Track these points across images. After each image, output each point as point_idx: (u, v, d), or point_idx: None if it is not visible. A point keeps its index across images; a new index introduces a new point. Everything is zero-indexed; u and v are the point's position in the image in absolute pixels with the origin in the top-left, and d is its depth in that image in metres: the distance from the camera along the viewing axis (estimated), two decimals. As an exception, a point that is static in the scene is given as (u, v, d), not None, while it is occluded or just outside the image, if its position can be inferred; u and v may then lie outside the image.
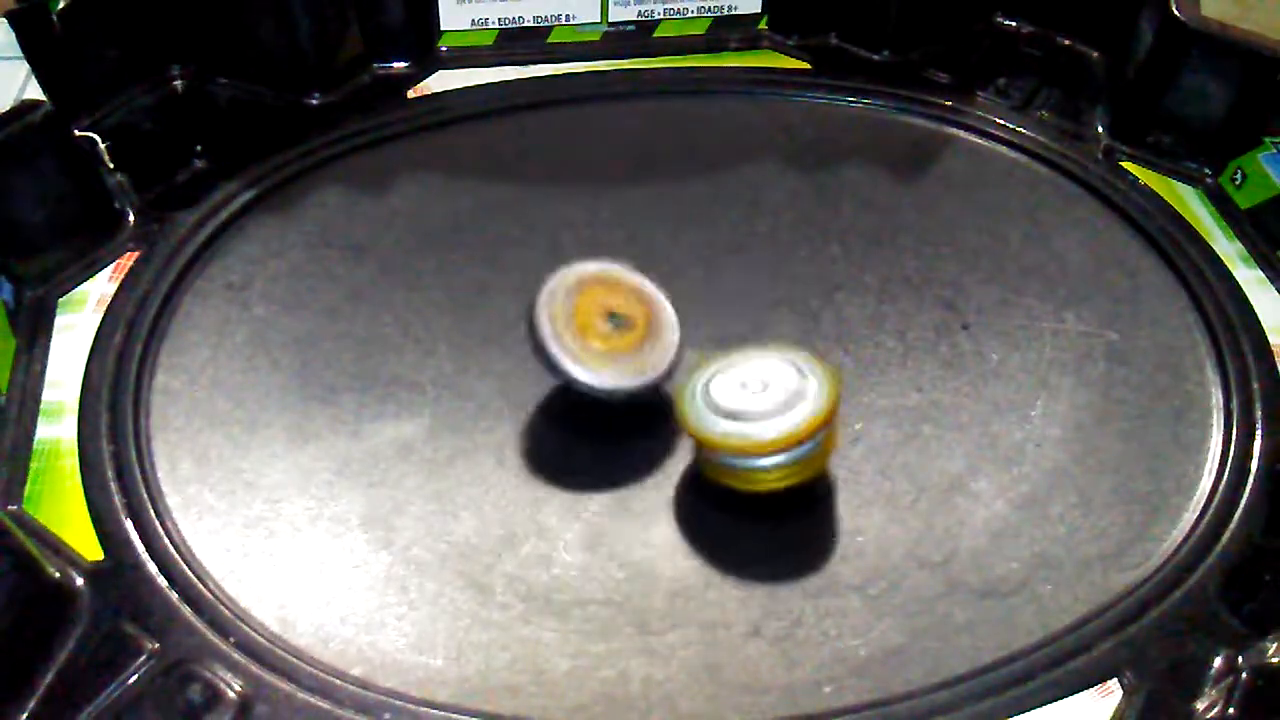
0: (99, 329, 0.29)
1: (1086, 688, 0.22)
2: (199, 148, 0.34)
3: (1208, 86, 0.33)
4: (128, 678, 0.22)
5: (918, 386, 0.28)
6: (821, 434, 0.24)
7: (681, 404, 0.24)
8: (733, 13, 0.38)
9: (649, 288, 0.27)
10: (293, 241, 0.32)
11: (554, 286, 0.26)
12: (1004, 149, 0.35)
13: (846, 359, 0.29)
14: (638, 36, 0.38)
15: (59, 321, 0.29)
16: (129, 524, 0.25)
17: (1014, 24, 0.39)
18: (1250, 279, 0.31)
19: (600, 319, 0.26)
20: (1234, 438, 0.27)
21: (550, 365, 0.25)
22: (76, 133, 0.31)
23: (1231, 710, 0.21)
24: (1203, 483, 0.26)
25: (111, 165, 0.32)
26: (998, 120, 0.36)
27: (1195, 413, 0.28)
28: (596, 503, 0.26)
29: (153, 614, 0.23)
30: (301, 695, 0.22)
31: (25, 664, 0.22)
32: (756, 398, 0.24)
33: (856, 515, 0.26)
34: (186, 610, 0.23)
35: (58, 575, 0.23)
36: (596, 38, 0.38)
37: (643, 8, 0.38)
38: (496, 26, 0.38)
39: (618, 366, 0.25)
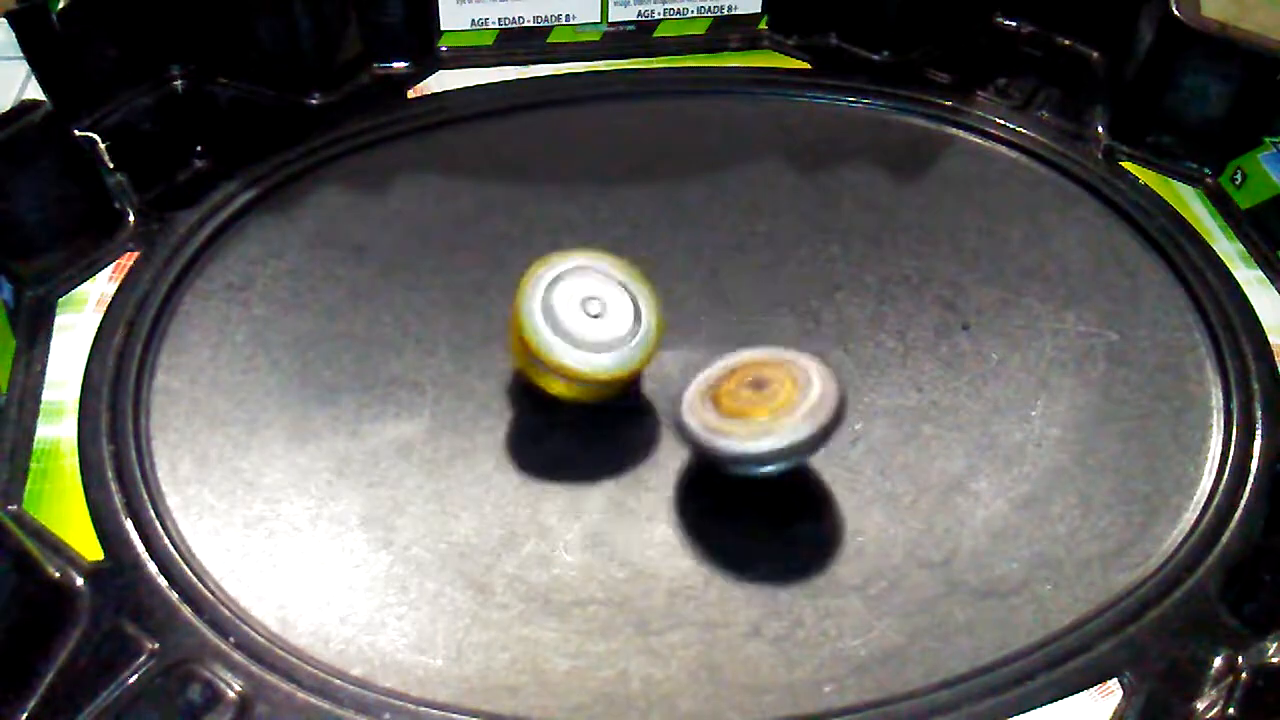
0: (99, 329, 0.29)
1: (1086, 688, 0.22)
2: (199, 148, 0.34)
3: (1208, 87, 0.33)
4: (128, 677, 0.22)
5: (918, 386, 0.28)
6: (617, 386, 0.26)
7: (522, 296, 0.25)
8: (733, 13, 0.38)
9: (784, 355, 0.25)
10: (293, 241, 0.32)
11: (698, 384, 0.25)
12: (1004, 149, 0.35)
13: (847, 359, 0.29)
14: (638, 36, 0.38)
15: (59, 321, 0.29)
16: (129, 524, 0.25)
17: (1014, 24, 0.39)
18: (1250, 279, 0.31)
19: (742, 388, 0.24)
20: (1234, 438, 0.27)
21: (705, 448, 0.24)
22: (76, 133, 0.31)
23: (1231, 710, 0.21)
24: (1203, 483, 0.26)
25: (111, 165, 0.32)
26: (998, 120, 0.36)
27: (1195, 413, 0.28)
28: (596, 503, 0.26)
29: (153, 614, 0.23)
30: (301, 695, 0.22)
31: (25, 664, 0.22)
32: (585, 321, 0.25)
33: (856, 515, 0.26)
34: (186, 610, 0.23)
35: (58, 575, 0.23)
36: (596, 38, 0.38)
37: (643, 8, 0.38)
38: (496, 27, 0.38)
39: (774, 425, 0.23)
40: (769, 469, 0.24)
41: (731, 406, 0.24)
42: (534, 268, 0.26)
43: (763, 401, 0.24)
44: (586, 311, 0.25)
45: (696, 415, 0.24)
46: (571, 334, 0.25)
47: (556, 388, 0.26)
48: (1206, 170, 0.34)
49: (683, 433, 0.25)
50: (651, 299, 0.26)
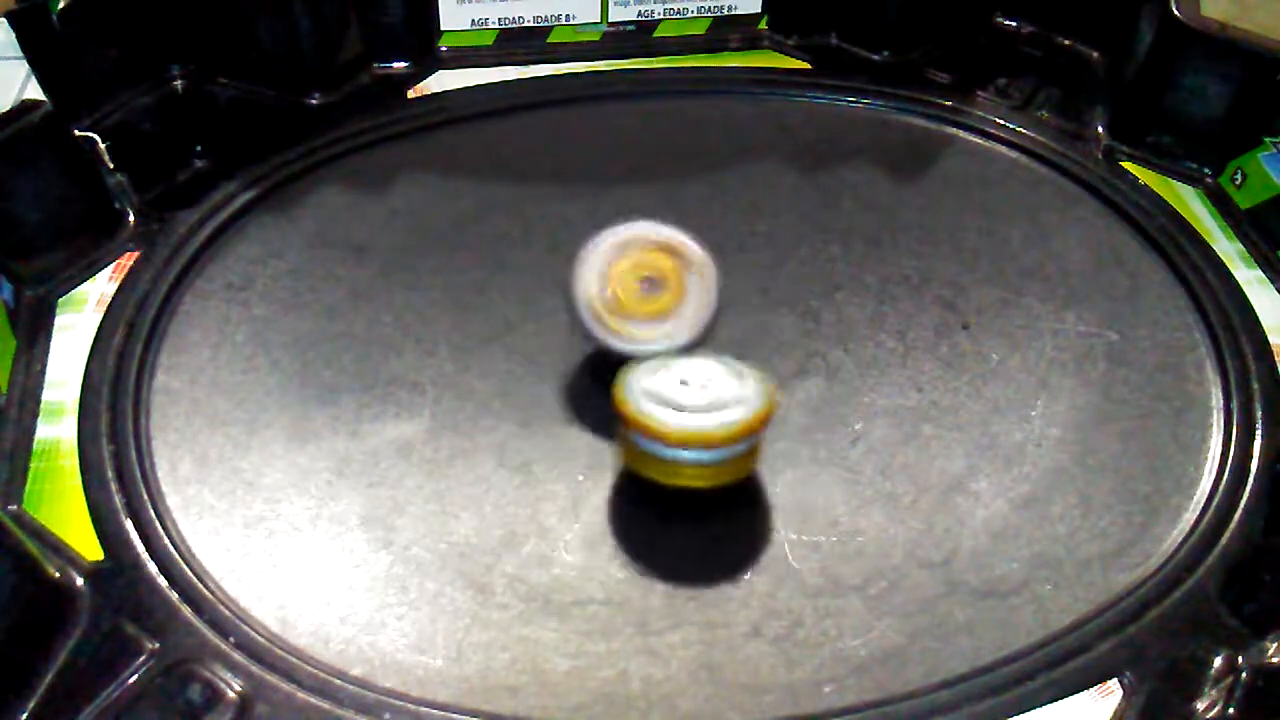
0: (99, 329, 0.29)
1: (1086, 688, 0.22)
2: (199, 148, 0.34)
3: (1208, 86, 0.33)
4: (128, 677, 0.22)
5: (918, 386, 0.28)
6: (745, 442, 0.24)
7: (620, 386, 0.24)
8: (733, 13, 0.38)
9: (687, 244, 0.27)
10: (293, 241, 0.32)
11: (595, 254, 0.26)
12: (1004, 149, 0.35)
13: (847, 359, 0.29)
14: (638, 36, 0.38)
15: (59, 321, 0.29)
16: (129, 524, 0.25)
17: (1014, 24, 0.39)
18: (1250, 279, 0.31)
19: (636, 283, 0.26)
20: (1234, 438, 0.27)
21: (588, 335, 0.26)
22: (76, 133, 0.31)
23: (1231, 710, 0.21)
24: (1203, 483, 0.26)
25: (111, 165, 0.32)
26: (998, 120, 0.36)
27: (1195, 413, 0.28)
28: (596, 503, 0.26)
29: (153, 614, 0.23)
30: (301, 695, 0.22)
31: (25, 664, 0.22)
32: (691, 392, 0.24)
33: (857, 515, 0.26)
34: (186, 610, 0.23)
35: (58, 575, 0.23)
36: (596, 38, 0.38)
37: (643, 8, 0.38)
38: (496, 27, 0.38)
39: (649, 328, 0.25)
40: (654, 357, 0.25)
41: (630, 304, 0.25)
42: (622, 377, 0.24)
43: (654, 299, 0.25)
44: (686, 385, 0.24)
45: (595, 313, 0.26)
46: (678, 402, 0.23)
47: (681, 474, 0.24)
48: (1206, 170, 0.34)
49: (586, 331, 0.26)
50: (742, 365, 0.25)
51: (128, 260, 0.31)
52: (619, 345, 0.26)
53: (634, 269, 0.26)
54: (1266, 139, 0.32)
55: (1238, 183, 0.33)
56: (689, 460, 0.23)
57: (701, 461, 0.23)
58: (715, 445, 0.23)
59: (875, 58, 0.38)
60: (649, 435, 0.23)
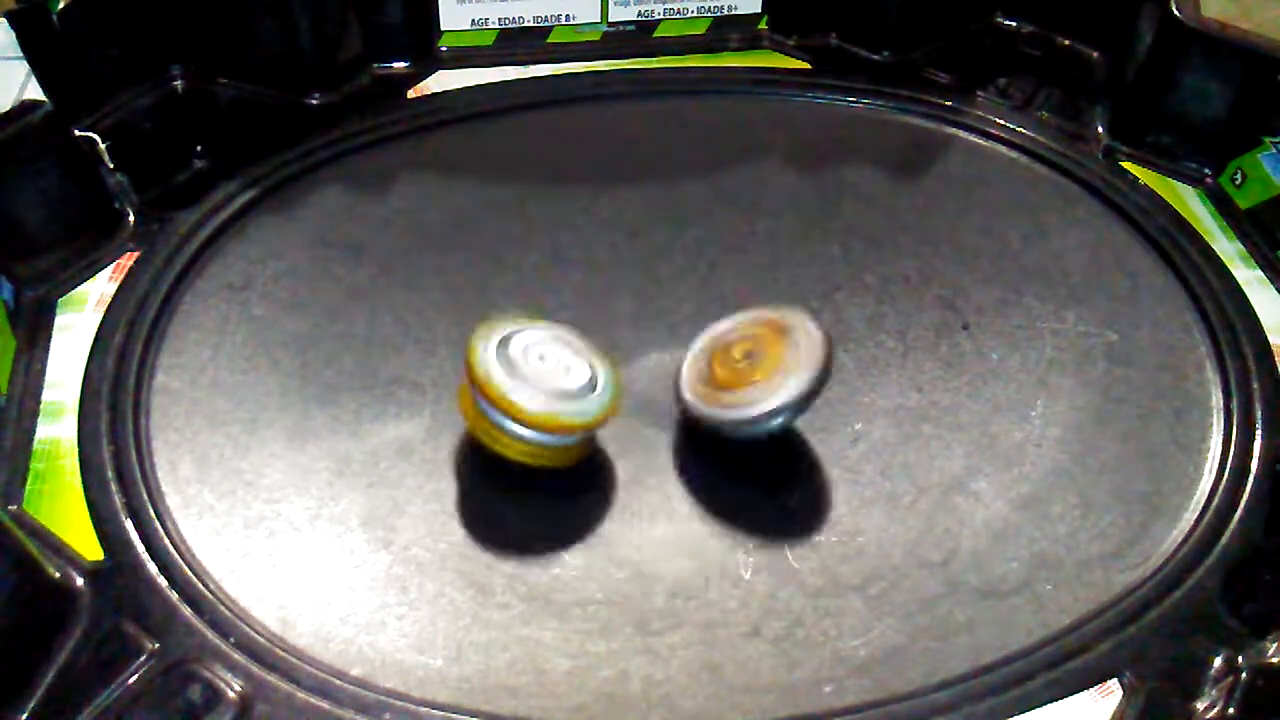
0: (99, 329, 0.29)
1: (1086, 688, 0.22)
2: (199, 148, 0.34)
3: (1207, 86, 0.33)
4: (128, 678, 0.22)
5: (918, 386, 0.28)
6: (579, 436, 0.24)
7: (475, 346, 0.24)
8: (733, 13, 0.38)
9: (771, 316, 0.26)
10: (292, 242, 0.32)
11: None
12: (1004, 149, 0.35)
13: (847, 359, 0.29)
14: (638, 37, 0.38)
15: (59, 321, 0.29)
16: (129, 524, 0.25)
17: (1014, 24, 0.39)
18: (1250, 279, 0.31)
19: (733, 360, 0.25)
20: (1234, 438, 0.27)
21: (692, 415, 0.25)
22: (77, 133, 0.31)
23: (1231, 710, 0.21)
24: (1202, 483, 0.26)
25: (112, 165, 0.32)
26: (998, 120, 0.36)
27: (1195, 413, 0.28)
28: (596, 503, 0.26)
29: (153, 614, 0.23)
30: (301, 695, 0.22)
31: (25, 664, 0.22)
32: (552, 373, 0.24)
33: (857, 515, 0.26)
34: (186, 610, 0.23)
35: (58, 575, 0.23)
36: (596, 38, 0.38)
37: (643, 8, 0.38)
38: (496, 27, 0.38)
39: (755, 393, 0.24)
40: (769, 427, 0.24)
41: (726, 377, 0.25)
42: (481, 328, 0.24)
43: (753, 368, 0.25)
44: (543, 363, 0.24)
45: (693, 391, 0.25)
46: (530, 380, 0.24)
47: (512, 447, 0.24)
48: (1206, 170, 0.34)
49: (686, 411, 0.25)
50: (607, 362, 0.25)
51: (128, 260, 0.31)
52: (716, 415, 0.25)
53: (735, 344, 0.25)
54: (1266, 139, 0.32)
55: (1238, 183, 0.33)
56: (531, 439, 0.24)
57: (538, 443, 0.24)
58: (544, 433, 0.24)
59: (875, 58, 0.38)
60: (489, 401, 0.24)
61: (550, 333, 0.25)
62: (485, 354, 0.24)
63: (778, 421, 0.24)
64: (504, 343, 0.24)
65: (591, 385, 0.24)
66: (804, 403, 0.24)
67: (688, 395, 0.26)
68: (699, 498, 0.26)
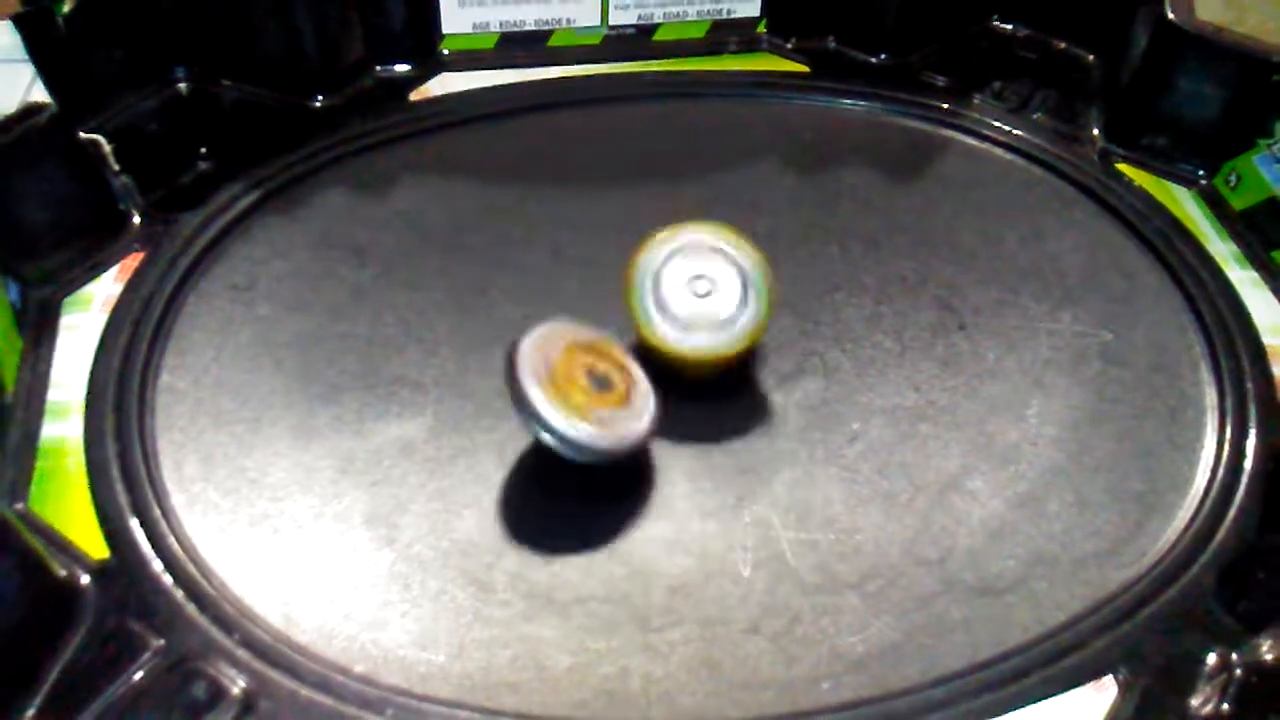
0: (104, 329, 0.29)
1: (1082, 684, 0.23)
2: (203, 149, 0.34)
3: (1202, 89, 0.33)
4: (132, 675, 0.22)
5: (915, 386, 0.29)
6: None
7: (633, 293, 0.26)
8: (731, 16, 0.39)
9: (630, 363, 0.26)
10: (296, 242, 0.32)
11: (534, 340, 0.25)
12: (1000, 151, 0.35)
13: (844, 359, 0.29)
14: (637, 40, 0.39)
15: (64, 322, 0.29)
16: (134, 522, 0.25)
17: (1010, 27, 0.39)
18: (1244, 280, 0.31)
19: (583, 376, 0.25)
20: (1228, 437, 0.27)
21: (528, 412, 0.24)
22: (82, 135, 0.31)
23: (1226, 706, 0.21)
24: (1197, 481, 0.26)
25: (117, 167, 0.32)
26: (994, 123, 0.36)
27: (1190, 412, 0.28)
28: (597, 500, 0.26)
29: (157, 611, 0.23)
30: (305, 692, 0.22)
31: (31, 661, 0.22)
32: (700, 303, 0.26)
33: (854, 513, 0.26)
34: (191, 608, 0.23)
35: (63, 573, 0.24)
36: (597, 41, 0.39)
37: (642, 11, 0.38)
38: (498, 30, 0.38)
39: (597, 424, 0.24)
40: (558, 448, 0.24)
41: (566, 388, 0.24)
42: (647, 243, 0.26)
43: (597, 395, 0.25)
44: (694, 291, 0.26)
45: (535, 380, 0.24)
46: (675, 313, 0.26)
47: (662, 358, 0.26)
48: (1201, 172, 0.34)
49: (518, 400, 0.24)
50: (764, 281, 0.26)
51: (133, 261, 0.31)
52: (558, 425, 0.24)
53: (580, 366, 0.25)
54: (1260, 141, 0.33)
55: (1232, 185, 0.34)
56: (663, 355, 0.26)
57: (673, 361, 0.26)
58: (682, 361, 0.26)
59: (873, 61, 0.38)
60: (636, 327, 0.26)
61: (711, 245, 0.26)
62: (643, 281, 0.26)
63: (578, 453, 0.24)
64: (663, 264, 0.26)
65: (735, 316, 0.26)
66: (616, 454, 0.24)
67: (526, 385, 0.24)
68: (699, 496, 0.26)
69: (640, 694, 0.23)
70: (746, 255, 0.26)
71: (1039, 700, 0.22)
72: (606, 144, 0.36)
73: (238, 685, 0.22)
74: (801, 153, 0.35)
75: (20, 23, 0.32)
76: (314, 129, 0.35)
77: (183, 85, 0.36)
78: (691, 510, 0.26)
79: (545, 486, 0.26)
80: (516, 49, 0.38)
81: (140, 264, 0.31)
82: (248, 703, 0.22)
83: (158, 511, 0.25)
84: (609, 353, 0.26)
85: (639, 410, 0.25)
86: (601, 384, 0.25)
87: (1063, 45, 0.39)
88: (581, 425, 0.24)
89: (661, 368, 0.26)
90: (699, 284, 0.26)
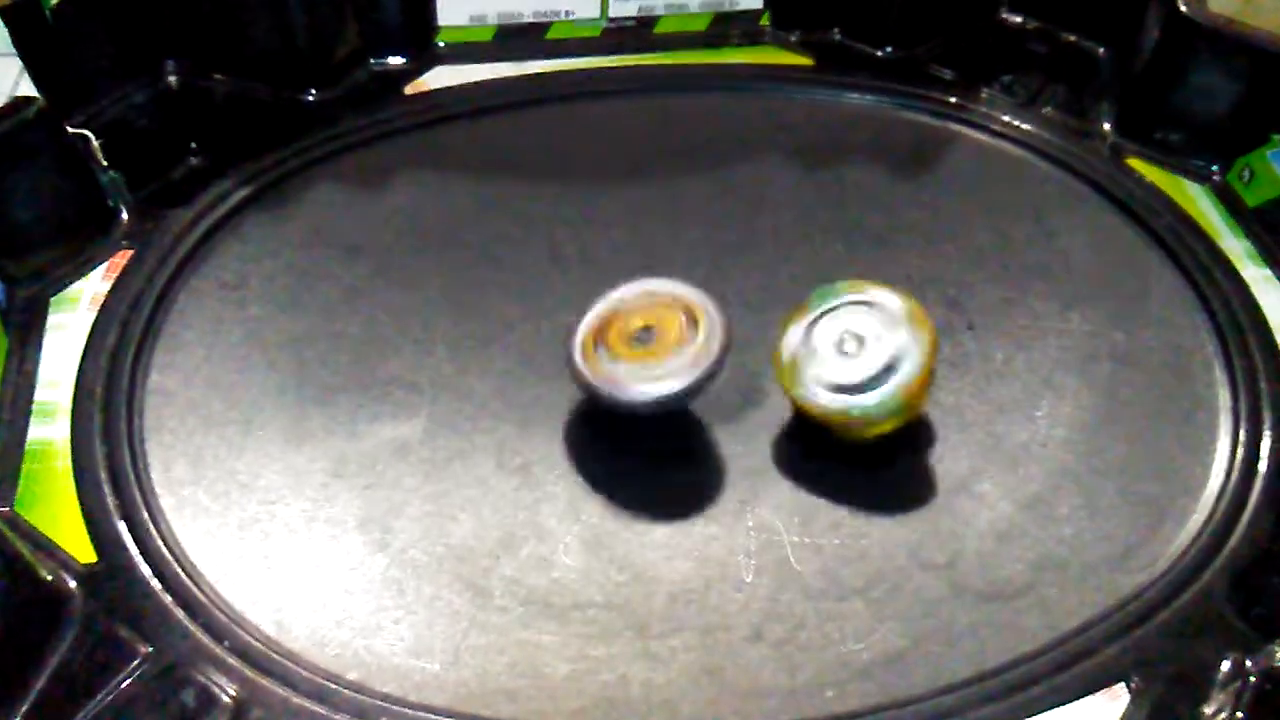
0: (92, 328, 0.29)
1: (1093, 692, 0.22)
2: (194, 145, 0.34)
3: (1215, 83, 0.33)
4: (121, 681, 0.22)
5: (921, 386, 0.28)
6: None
7: (783, 372, 0.25)
8: (734, 8, 0.38)
9: (710, 328, 0.25)
10: (288, 240, 0.31)
11: (625, 290, 0.26)
12: (1009, 146, 0.35)
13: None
14: (638, 32, 0.38)
15: (52, 320, 0.29)
16: (122, 526, 0.25)
17: (1019, 19, 0.39)
18: (1258, 277, 0.31)
19: (633, 328, 0.25)
20: (1242, 439, 0.27)
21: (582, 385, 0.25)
22: (70, 130, 0.31)
23: (1240, 714, 0.21)
24: (1210, 485, 0.26)
25: (105, 162, 0.31)
26: (1003, 117, 0.35)
27: (1202, 414, 0.28)
28: (596, 505, 0.26)
29: (146, 617, 0.23)
30: (297, 700, 0.22)
31: (18, 668, 0.22)
32: (855, 363, 0.25)
33: (859, 517, 0.25)
34: (180, 613, 0.23)
35: (50, 578, 0.23)
36: (596, 33, 0.38)
37: (643, 3, 0.38)
38: (495, 23, 0.37)
39: (606, 375, 0.25)
40: (656, 408, 0.25)
41: (621, 349, 0.25)
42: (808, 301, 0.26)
43: (650, 349, 0.25)
44: (841, 350, 0.25)
45: (588, 359, 0.25)
46: (820, 371, 0.25)
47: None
48: (1214, 168, 0.34)
49: (575, 377, 0.26)
50: (923, 345, 0.25)
51: (121, 258, 0.30)
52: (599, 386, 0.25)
53: (634, 318, 0.25)
54: (1275, 136, 0.32)
55: (1245, 180, 0.33)
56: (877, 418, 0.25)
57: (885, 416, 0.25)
58: (904, 410, 0.25)
59: (879, 54, 0.38)
60: (841, 424, 0.25)
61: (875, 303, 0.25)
62: (800, 379, 0.25)
63: (663, 404, 0.25)
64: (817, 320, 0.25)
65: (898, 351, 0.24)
66: (694, 391, 0.25)
67: (579, 361, 0.25)
68: (699, 499, 0.26)
69: (640, 701, 0.22)
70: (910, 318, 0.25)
71: (1049, 708, 0.22)
72: (606, 139, 0.35)
73: (228, 693, 0.22)
74: (805, 148, 0.35)
75: (6, 15, 0.31)
76: (307, 124, 0.35)
77: (173, 79, 0.35)
78: (692, 514, 0.25)
79: (543, 490, 0.26)
80: (514, 42, 0.38)
81: (129, 261, 0.30)
82: (238, 711, 0.22)
83: (146, 515, 0.25)
84: (691, 310, 0.25)
85: (674, 370, 0.24)
86: (641, 340, 0.25)
87: (1073, 38, 0.38)
88: (586, 368, 0.25)
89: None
90: (848, 344, 0.25)
